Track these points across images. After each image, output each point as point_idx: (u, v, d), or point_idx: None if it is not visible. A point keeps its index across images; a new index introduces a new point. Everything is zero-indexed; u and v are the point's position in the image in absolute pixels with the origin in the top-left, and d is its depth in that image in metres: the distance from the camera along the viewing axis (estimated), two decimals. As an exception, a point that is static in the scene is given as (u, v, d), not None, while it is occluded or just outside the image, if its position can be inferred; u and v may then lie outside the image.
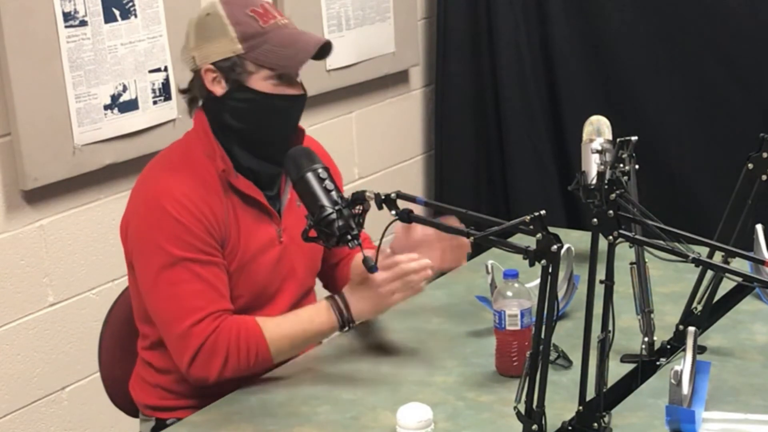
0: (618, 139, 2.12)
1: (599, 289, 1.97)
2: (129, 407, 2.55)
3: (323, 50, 2.30)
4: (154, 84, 3.17)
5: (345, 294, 2.32)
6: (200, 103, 2.35)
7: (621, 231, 1.95)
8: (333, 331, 2.33)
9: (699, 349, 2.23)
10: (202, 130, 2.32)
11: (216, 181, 2.29)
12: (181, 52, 2.37)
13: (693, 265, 1.93)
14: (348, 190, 2.07)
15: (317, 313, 2.32)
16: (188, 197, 2.25)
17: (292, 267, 2.41)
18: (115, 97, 3.10)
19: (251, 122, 2.30)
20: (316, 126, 3.83)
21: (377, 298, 2.30)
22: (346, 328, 2.32)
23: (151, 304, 2.30)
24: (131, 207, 2.33)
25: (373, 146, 4.12)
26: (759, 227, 2.49)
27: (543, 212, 1.83)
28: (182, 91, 2.39)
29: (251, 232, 2.32)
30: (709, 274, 2.30)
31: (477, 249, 2.59)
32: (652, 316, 2.29)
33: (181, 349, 2.25)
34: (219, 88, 2.29)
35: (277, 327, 2.29)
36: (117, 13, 3.08)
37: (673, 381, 1.98)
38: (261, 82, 2.27)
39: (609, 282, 1.98)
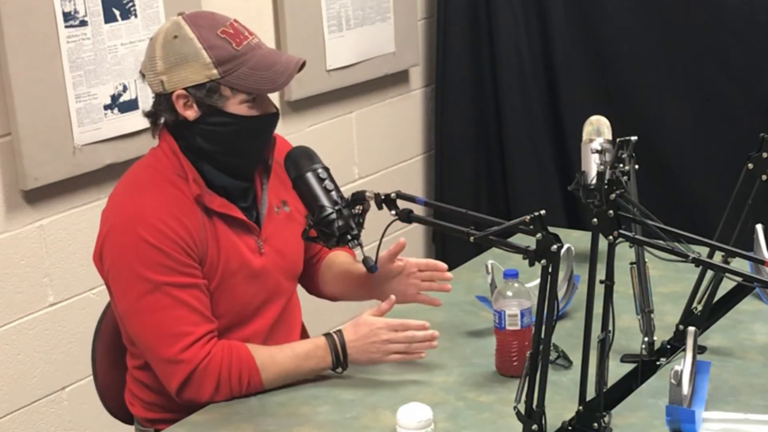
0: (618, 139, 2.12)
1: (599, 289, 1.97)
2: (126, 417, 2.54)
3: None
4: (154, 84, 3.16)
5: (345, 339, 2.30)
6: (162, 121, 2.29)
7: (621, 231, 1.95)
8: (326, 370, 2.32)
9: (699, 349, 2.23)
10: (171, 150, 2.27)
11: (189, 199, 2.25)
12: (144, 73, 2.27)
13: (693, 265, 1.94)
14: (348, 190, 2.07)
15: (314, 350, 2.30)
16: (161, 219, 2.20)
17: (276, 276, 2.38)
18: (115, 97, 3.10)
19: (225, 145, 2.26)
20: (316, 126, 3.84)
21: (377, 353, 2.30)
22: (339, 369, 2.32)
23: (134, 329, 2.27)
24: (104, 231, 2.27)
25: (373, 146, 4.12)
26: (759, 227, 2.49)
27: (543, 212, 1.83)
28: (147, 114, 2.32)
29: (231, 247, 2.29)
30: (709, 274, 2.30)
31: (477, 249, 2.59)
32: (652, 316, 2.29)
33: (170, 373, 2.23)
34: (191, 113, 2.23)
35: (270, 357, 2.27)
36: (117, 13, 3.08)
37: (673, 381, 1.98)
38: (236, 105, 2.22)
39: (609, 282, 1.98)
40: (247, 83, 2.21)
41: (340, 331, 2.32)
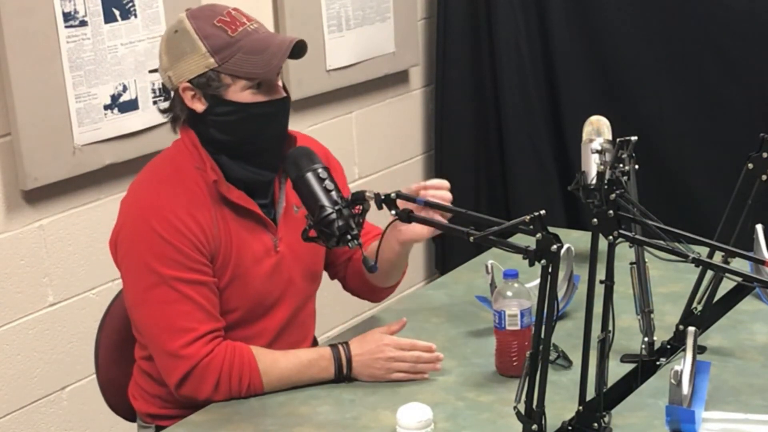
0: (618, 139, 2.12)
1: (599, 289, 1.97)
2: (127, 413, 2.54)
3: (300, 50, 2.26)
4: (154, 84, 3.17)
5: (352, 352, 2.30)
6: (182, 119, 2.31)
7: (621, 231, 1.95)
8: (327, 379, 2.31)
9: (699, 349, 2.23)
10: (191, 143, 2.29)
11: (205, 194, 2.26)
12: (159, 71, 2.32)
13: (693, 265, 1.93)
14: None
15: (318, 359, 2.29)
16: (175, 214, 2.22)
17: (290, 277, 2.38)
18: (115, 97, 3.10)
19: (238, 134, 2.27)
20: (316, 126, 3.83)
21: (380, 370, 2.29)
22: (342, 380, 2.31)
23: (140, 320, 2.29)
24: (120, 220, 2.30)
25: (373, 146, 4.12)
26: (759, 227, 2.49)
27: (543, 212, 1.83)
28: (163, 111, 2.35)
29: (245, 243, 2.30)
30: (709, 274, 2.30)
31: (477, 249, 2.59)
32: (652, 316, 2.29)
33: (171, 368, 2.24)
34: (199, 105, 2.25)
35: (273, 362, 2.27)
36: (117, 13, 3.08)
37: (673, 381, 1.98)
38: (240, 93, 2.23)
39: (609, 282, 1.98)
40: (243, 69, 2.22)
41: (347, 343, 2.32)
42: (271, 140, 2.32)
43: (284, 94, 2.30)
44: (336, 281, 2.64)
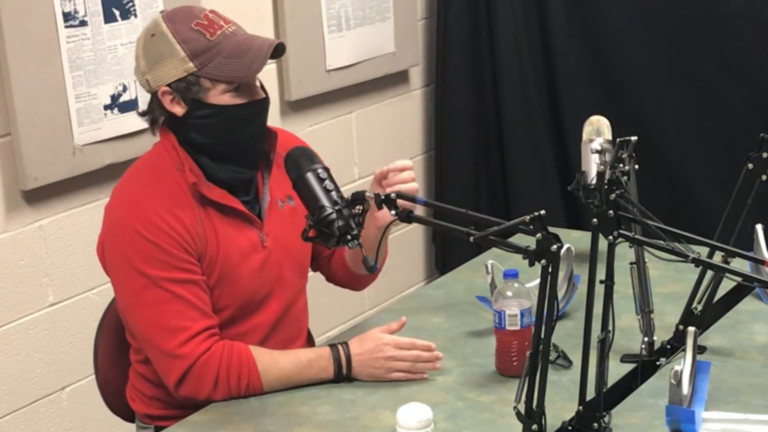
0: (618, 139, 2.12)
1: (599, 289, 1.97)
2: (126, 414, 2.54)
3: (278, 50, 2.27)
4: (154, 84, 3.16)
5: (351, 352, 2.30)
6: (161, 120, 2.32)
7: (621, 231, 1.95)
8: (327, 379, 2.31)
9: (699, 349, 2.23)
10: (170, 144, 2.29)
11: (187, 194, 2.27)
12: (135, 74, 2.32)
13: (693, 265, 1.94)
14: (348, 190, 2.07)
15: (317, 359, 2.30)
16: (159, 215, 2.22)
17: (279, 271, 2.38)
18: (115, 97, 3.10)
19: (218, 136, 2.27)
20: (316, 126, 3.84)
21: (380, 369, 2.29)
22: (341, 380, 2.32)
23: (133, 323, 2.29)
24: (105, 227, 2.31)
25: (373, 146, 4.12)
26: (759, 227, 2.49)
27: (543, 212, 1.83)
28: (142, 114, 2.35)
29: (231, 241, 2.30)
30: (709, 274, 2.30)
31: (477, 249, 2.59)
32: (652, 316, 2.29)
33: (168, 368, 2.24)
34: (179, 108, 2.25)
35: (272, 362, 2.27)
36: (117, 13, 3.08)
37: (673, 381, 1.98)
38: (220, 96, 2.23)
39: (609, 282, 1.98)
40: (223, 72, 2.22)
41: (346, 343, 2.32)
42: (252, 140, 2.32)
43: (263, 95, 2.31)
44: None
